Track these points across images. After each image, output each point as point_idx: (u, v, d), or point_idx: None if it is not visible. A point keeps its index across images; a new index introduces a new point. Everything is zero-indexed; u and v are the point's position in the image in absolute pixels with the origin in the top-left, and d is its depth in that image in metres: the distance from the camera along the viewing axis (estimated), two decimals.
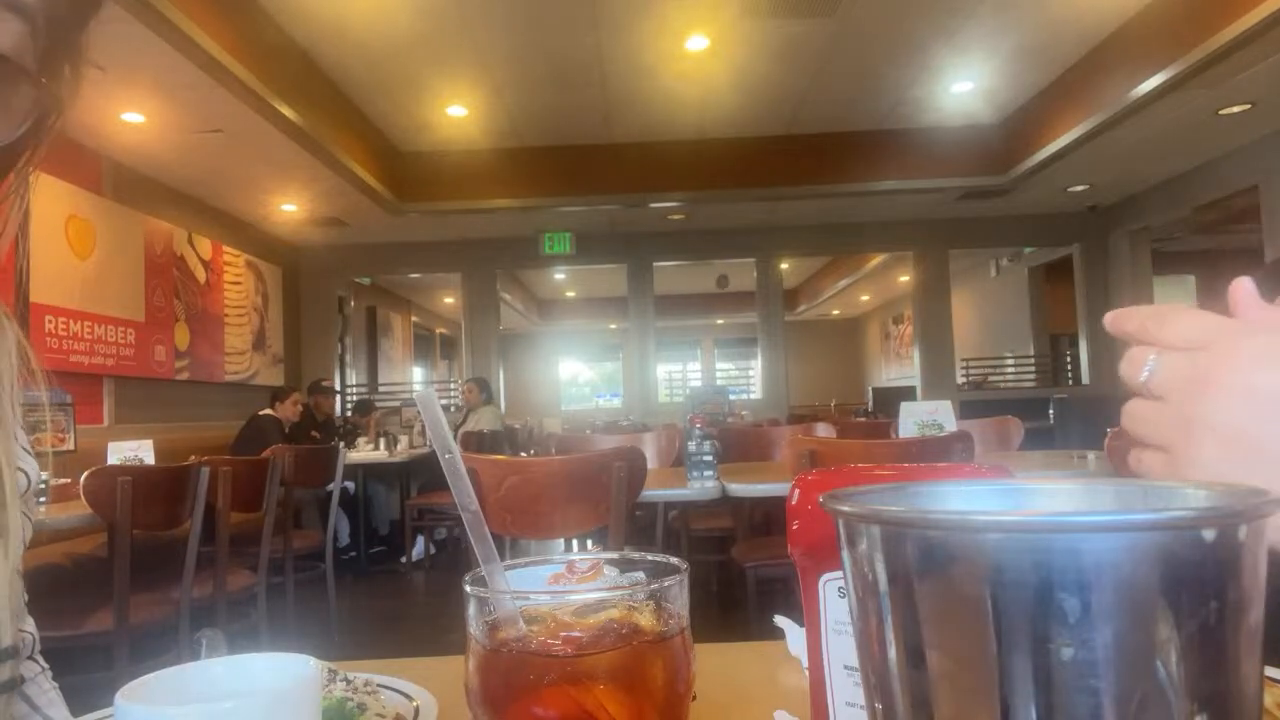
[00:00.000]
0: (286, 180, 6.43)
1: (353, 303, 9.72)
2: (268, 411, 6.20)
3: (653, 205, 7.71)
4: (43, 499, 3.00)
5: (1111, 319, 0.47)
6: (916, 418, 3.50)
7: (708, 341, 17.27)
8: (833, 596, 0.46)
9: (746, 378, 16.05)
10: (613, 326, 15.41)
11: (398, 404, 8.71)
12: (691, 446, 2.58)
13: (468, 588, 0.45)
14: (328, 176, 6.22)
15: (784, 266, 10.30)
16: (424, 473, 6.47)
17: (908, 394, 8.73)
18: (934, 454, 2.49)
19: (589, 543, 4.32)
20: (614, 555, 0.52)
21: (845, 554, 0.28)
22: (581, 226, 8.44)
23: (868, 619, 0.27)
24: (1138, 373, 0.45)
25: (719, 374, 17.06)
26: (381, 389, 10.56)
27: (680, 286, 13.08)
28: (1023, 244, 9.45)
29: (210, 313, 6.88)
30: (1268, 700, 0.51)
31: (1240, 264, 1.52)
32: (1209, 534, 0.23)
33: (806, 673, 0.49)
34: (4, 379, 0.68)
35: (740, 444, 3.95)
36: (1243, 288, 0.45)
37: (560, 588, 0.50)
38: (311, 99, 5.39)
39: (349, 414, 8.26)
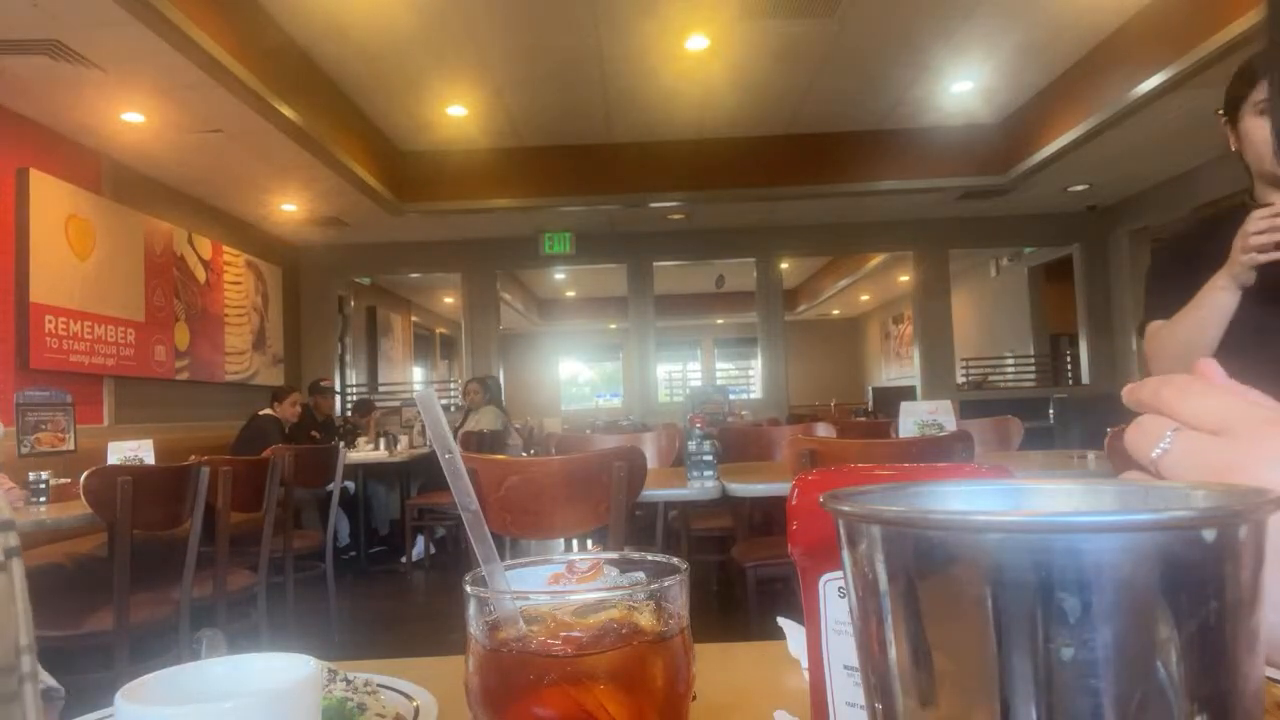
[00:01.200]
0: (286, 180, 6.43)
1: (353, 303, 9.73)
2: (268, 411, 6.20)
3: (653, 205, 7.71)
4: (44, 499, 3.00)
5: (1127, 391, 0.43)
6: (916, 417, 3.50)
7: (708, 341, 17.28)
8: (833, 596, 0.46)
9: (746, 378, 16.05)
10: (613, 326, 15.41)
11: (398, 404, 8.71)
12: (691, 446, 2.58)
13: (468, 588, 0.45)
14: (328, 176, 6.22)
15: (784, 266, 10.30)
16: (424, 473, 6.48)
17: (908, 394, 8.73)
18: (934, 454, 2.49)
19: (589, 543, 4.32)
20: (614, 555, 0.52)
21: (845, 554, 0.28)
22: (581, 226, 8.44)
23: (868, 619, 0.27)
24: (1150, 447, 0.40)
25: (719, 374, 17.07)
26: (381, 389, 10.56)
27: (680, 286, 13.08)
28: (1023, 244, 9.45)
29: (210, 313, 6.88)
30: (1266, 700, 0.51)
31: None
32: (1209, 534, 0.23)
33: (806, 673, 0.49)
34: None
35: (740, 444, 3.95)
36: (1212, 369, 0.41)
37: (560, 588, 0.50)
38: (311, 99, 5.39)
39: (349, 414, 8.26)
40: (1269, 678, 0.56)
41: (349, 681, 0.64)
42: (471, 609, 0.45)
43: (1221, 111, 1.56)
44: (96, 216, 5.43)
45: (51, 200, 5.02)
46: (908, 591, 0.25)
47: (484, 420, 6.99)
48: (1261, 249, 1.39)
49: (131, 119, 5.06)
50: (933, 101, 6.53)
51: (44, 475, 3.06)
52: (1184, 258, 1.61)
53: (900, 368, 13.94)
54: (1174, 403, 0.41)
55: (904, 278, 10.35)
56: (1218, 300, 1.47)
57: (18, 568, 0.73)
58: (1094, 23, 5.27)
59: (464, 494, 0.47)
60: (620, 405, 15.25)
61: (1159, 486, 0.30)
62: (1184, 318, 1.53)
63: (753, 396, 10.43)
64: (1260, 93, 1.42)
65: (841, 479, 0.47)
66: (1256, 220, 1.39)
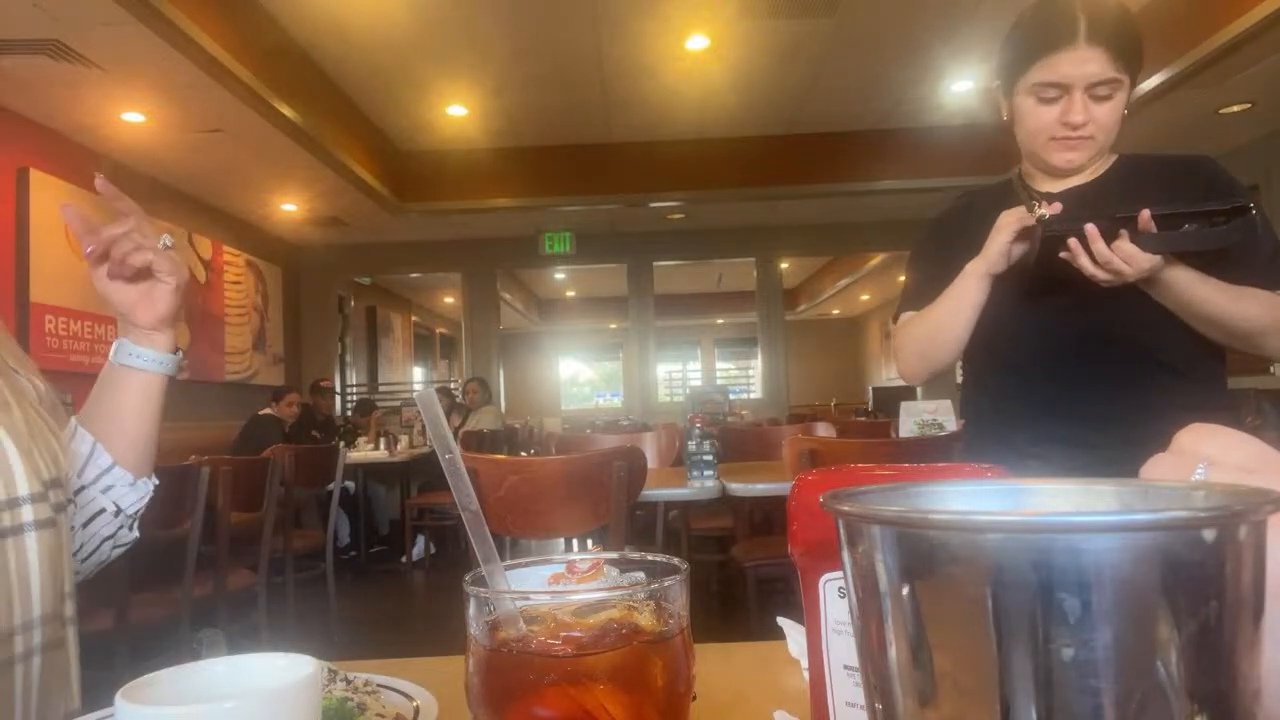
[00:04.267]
0: (286, 180, 6.43)
1: (353, 303, 9.73)
2: (268, 411, 6.20)
3: (653, 205, 7.71)
4: None
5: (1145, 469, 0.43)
6: (916, 417, 3.51)
7: (708, 341, 17.27)
8: (833, 596, 0.46)
9: (746, 377, 16.05)
10: (613, 326, 15.41)
11: (398, 404, 8.71)
12: (691, 446, 2.57)
13: (468, 588, 0.45)
14: (328, 176, 6.22)
15: (784, 266, 10.29)
16: (424, 473, 6.48)
17: (908, 394, 8.69)
18: (934, 454, 2.49)
19: (589, 543, 4.32)
20: (614, 555, 0.52)
21: (845, 554, 0.28)
22: (581, 226, 8.44)
23: (868, 619, 0.27)
24: (1185, 475, 0.40)
25: (719, 373, 17.07)
26: (381, 389, 10.56)
27: (680, 286, 13.09)
28: None
29: (210, 313, 6.88)
30: None
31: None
32: (1209, 534, 0.23)
33: (806, 673, 0.49)
34: None
35: (740, 444, 3.94)
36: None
37: (560, 588, 0.50)
38: (311, 99, 5.39)
39: (349, 414, 8.25)
40: None
41: (349, 681, 0.64)
42: (471, 609, 0.45)
43: (997, 81, 1.47)
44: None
45: (51, 200, 5.02)
46: (908, 591, 0.25)
47: (483, 420, 7.00)
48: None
49: (131, 119, 5.06)
50: (933, 101, 6.53)
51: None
52: (942, 243, 1.52)
53: None
54: (1196, 443, 0.41)
55: (904, 277, 10.32)
56: (968, 289, 1.38)
57: (64, 521, 0.82)
58: None
59: (464, 494, 0.47)
60: (620, 405, 15.24)
61: (1159, 486, 0.30)
62: (934, 308, 1.45)
63: (753, 396, 10.42)
64: (1037, 75, 1.35)
65: (841, 479, 0.47)
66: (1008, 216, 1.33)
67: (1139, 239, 1.21)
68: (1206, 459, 0.40)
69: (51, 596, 0.78)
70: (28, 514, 0.76)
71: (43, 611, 0.77)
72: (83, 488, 0.95)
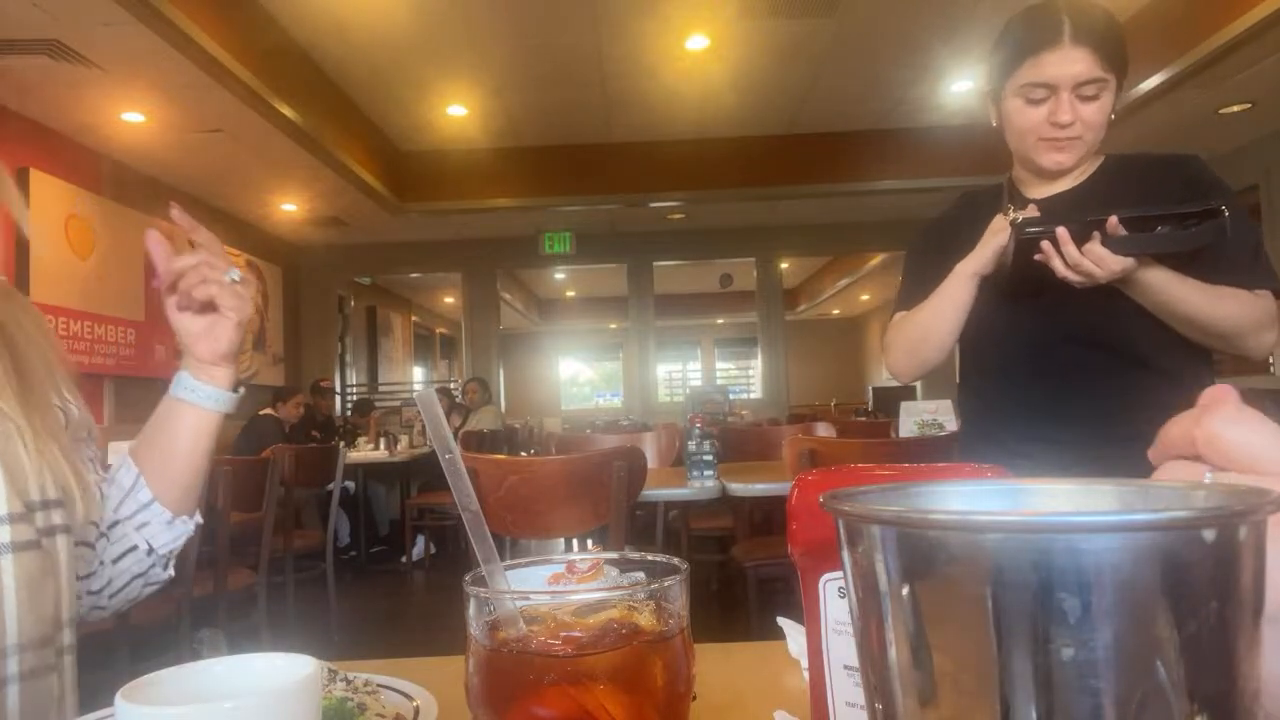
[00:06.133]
0: (286, 180, 6.43)
1: (353, 303, 9.73)
2: (268, 411, 6.20)
3: (653, 205, 7.71)
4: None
5: (1155, 452, 0.39)
6: (916, 417, 3.51)
7: (708, 341, 17.27)
8: (833, 596, 0.46)
9: (746, 377, 16.05)
10: (613, 326, 15.41)
11: (398, 404, 8.71)
12: (691, 446, 2.57)
13: (468, 588, 0.45)
14: (328, 176, 6.22)
15: (784, 266, 10.29)
16: (424, 473, 6.48)
17: (908, 394, 8.68)
18: (934, 454, 2.49)
19: (589, 543, 4.32)
20: (614, 555, 0.52)
21: (845, 554, 0.28)
22: (581, 226, 8.44)
23: (868, 619, 0.27)
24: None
25: (719, 373, 17.07)
26: (381, 389, 10.56)
27: (680, 286, 13.08)
28: None
29: None
30: None
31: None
32: (1209, 534, 0.23)
33: (806, 673, 0.49)
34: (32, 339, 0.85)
35: (740, 444, 3.94)
36: (1226, 391, 0.37)
37: (560, 588, 0.50)
38: (312, 99, 5.39)
39: (349, 414, 8.26)
40: None
41: (349, 681, 0.64)
42: (471, 609, 0.45)
43: (989, 88, 1.48)
44: (96, 216, 5.43)
45: (51, 200, 5.02)
46: (908, 591, 0.25)
47: (483, 420, 7.00)
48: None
49: (131, 119, 5.06)
50: (933, 101, 6.52)
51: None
52: (938, 245, 1.54)
53: None
54: (1210, 430, 0.36)
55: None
56: (955, 289, 1.40)
57: (63, 544, 0.79)
58: None
59: (464, 494, 0.47)
60: (620, 405, 15.24)
61: (1159, 486, 0.30)
62: (923, 306, 1.47)
63: (753, 396, 10.42)
64: (1024, 76, 1.36)
65: (841, 479, 0.47)
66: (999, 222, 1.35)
67: (1110, 241, 1.23)
68: None
69: (34, 623, 0.74)
70: (3, 535, 0.73)
71: (21, 639, 0.73)
72: (117, 522, 0.92)
